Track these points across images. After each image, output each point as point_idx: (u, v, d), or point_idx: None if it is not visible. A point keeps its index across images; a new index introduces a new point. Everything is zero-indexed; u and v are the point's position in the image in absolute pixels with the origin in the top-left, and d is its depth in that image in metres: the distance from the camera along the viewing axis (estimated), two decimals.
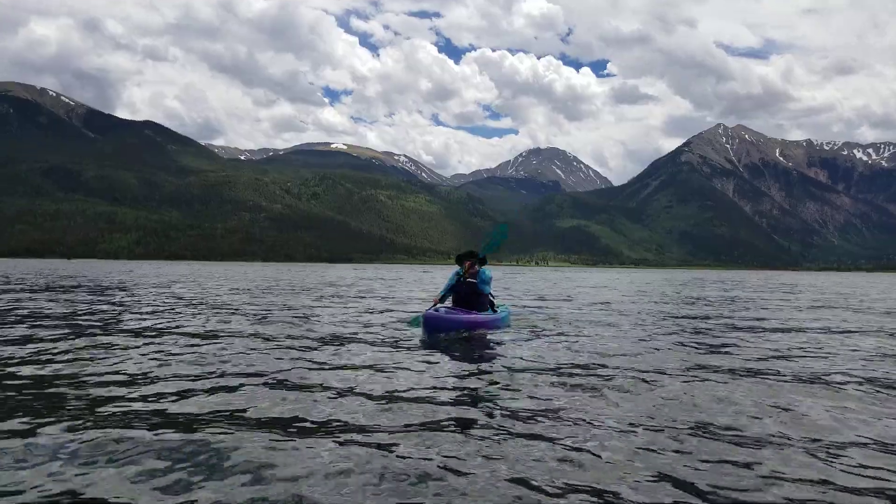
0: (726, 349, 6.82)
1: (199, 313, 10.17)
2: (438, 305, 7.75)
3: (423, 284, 25.91)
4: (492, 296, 8.15)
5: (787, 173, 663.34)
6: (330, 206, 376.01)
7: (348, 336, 7.36)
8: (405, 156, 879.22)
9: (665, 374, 5.07)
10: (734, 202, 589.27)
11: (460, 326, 7.19)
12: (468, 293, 7.94)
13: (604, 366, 5.33)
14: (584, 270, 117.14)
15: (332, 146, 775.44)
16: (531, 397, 4.04)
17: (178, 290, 17.10)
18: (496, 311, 8.15)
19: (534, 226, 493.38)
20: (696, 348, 6.88)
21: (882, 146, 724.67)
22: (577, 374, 4.92)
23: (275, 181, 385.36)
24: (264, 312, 10.51)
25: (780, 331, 9.10)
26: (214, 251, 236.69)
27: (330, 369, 5.06)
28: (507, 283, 30.45)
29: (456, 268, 8.32)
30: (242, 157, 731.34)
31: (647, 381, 4.68)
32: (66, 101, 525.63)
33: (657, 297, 18.61)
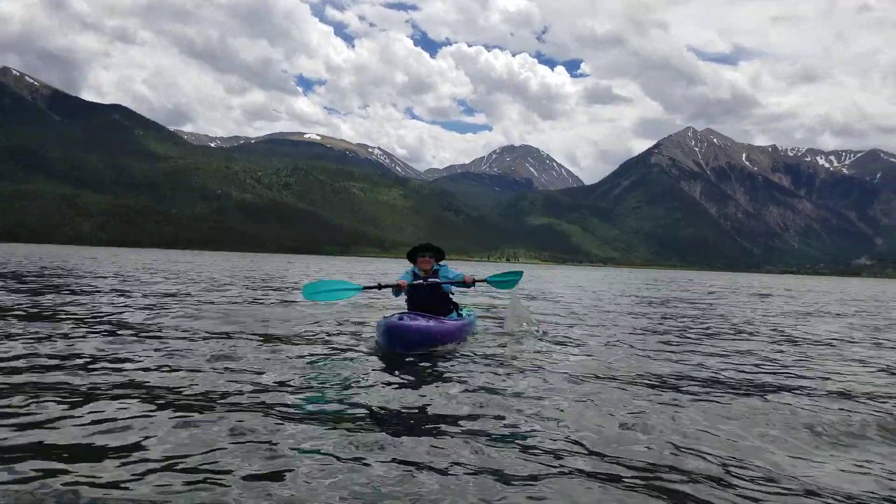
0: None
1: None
2: (396, 314, 6.06)
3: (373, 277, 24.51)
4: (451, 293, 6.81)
5: (753, 178, 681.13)
6: (302, 197, 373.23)
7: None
8: (379, 148, 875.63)
9: (665, 382, 4.76)
10: (701, 204, 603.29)
11: (435, 339, 5.69)
12: (430, 296, 6.45)
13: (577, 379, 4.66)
14: (554, 268, 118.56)
15: (305, 136, 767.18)
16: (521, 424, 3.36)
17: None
18: (462, 316, 6.79)
19: (505, 222, 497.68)
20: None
21: (843, 154, 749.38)
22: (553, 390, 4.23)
23: (245, 170, 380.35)
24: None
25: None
26: (181, 239, 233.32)
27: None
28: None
29: (409, 265, 6.88)
30: (212, 144, 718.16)
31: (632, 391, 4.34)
32: (31, 81, 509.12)
33: (629, 298, 17.90)
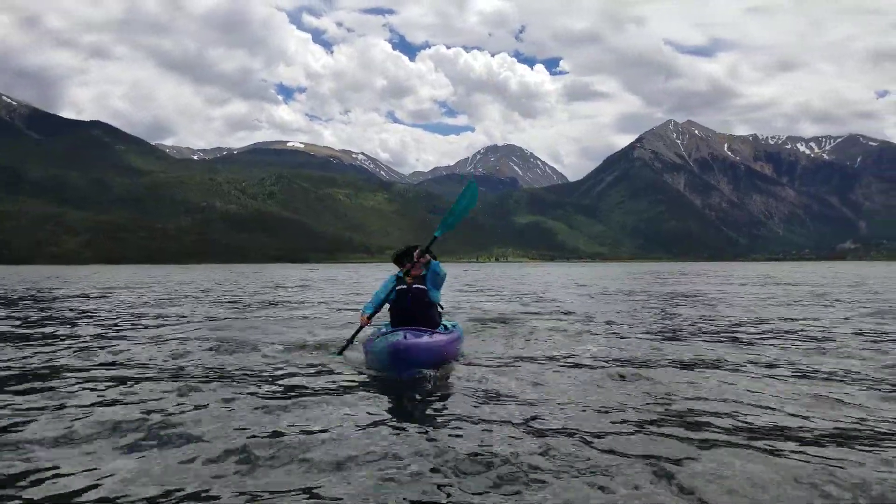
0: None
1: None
2: (383, 328, 5.63)
3: (357, 287, 22.78)
4: (440, 306, 5.87)
5: (735, 167, 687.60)
6: (286, 206, 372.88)
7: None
8: (363, 154, 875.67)
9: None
10: (685, 196, 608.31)
11: (443, 359, 5.12)
12: (415, 303, 5.59)
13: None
14: (543, 265, 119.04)
15: (288, 145, 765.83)
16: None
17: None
18: (448, 328, 5.88)
19: (493, 222, 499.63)
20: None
21: (823, 140, 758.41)
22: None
23: (229, 181, 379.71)
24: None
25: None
26: (166, 253, 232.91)
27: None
28: (466, 280, 29.53)
29: (394, 269, 5.99)
30: (195, 157, 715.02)
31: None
32: (8, 100, 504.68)
33: (625, 294, 17.53)
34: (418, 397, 4.13)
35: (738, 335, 7.62)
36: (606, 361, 5.57)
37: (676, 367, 5.20)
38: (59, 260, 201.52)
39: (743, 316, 10.31)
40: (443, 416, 3.59)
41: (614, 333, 7.84)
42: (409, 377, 4.55)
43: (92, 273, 49.12)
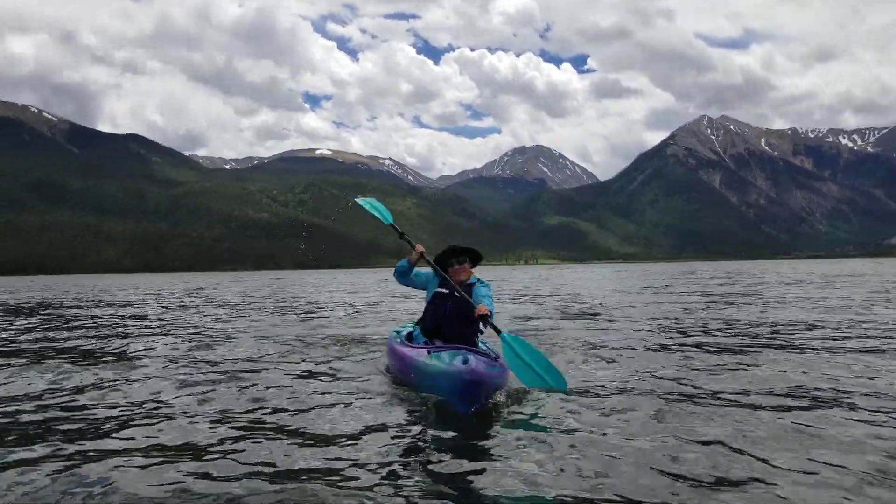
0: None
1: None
2: (403, 327, 5.16)
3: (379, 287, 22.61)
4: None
5: (773, 162, 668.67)
6: (317, 213, 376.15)
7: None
8: (391, 159, 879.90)
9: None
10: (721, 193, 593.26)
11: (503, 383, 4.17)
12: (455, 313, 4.73)
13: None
14: (587, 268, 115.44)
15: (316, 152, 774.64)
16: None
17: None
18: (486, 349, 4.84)
19: (521, 224, 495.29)
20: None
21: (867, 132, 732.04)
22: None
23: (261, 190, 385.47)
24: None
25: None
26: (202, 261, 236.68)
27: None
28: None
29: (426, 269, 5.16)
30: (227, 167, 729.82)
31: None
32: (49, 117, 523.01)
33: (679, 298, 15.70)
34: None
35: None
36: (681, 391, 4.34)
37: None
38: (100, 268, 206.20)
39: None
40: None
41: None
42: (474, 411, 3.71)
43: (171, 282, 47.89)
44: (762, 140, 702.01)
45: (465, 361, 3.78)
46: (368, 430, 3.36)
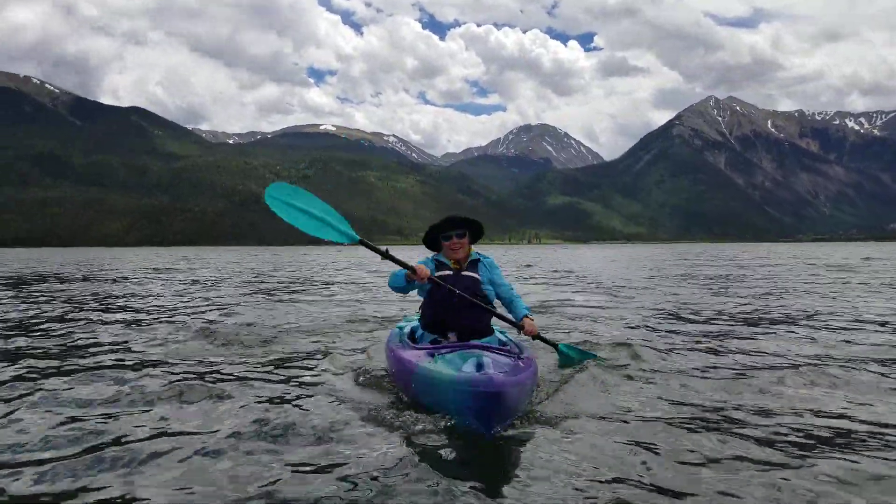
0: None
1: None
2: (399, 325, 4.44)
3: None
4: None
5: (779, 144, 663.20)
6: (320, 189, 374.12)
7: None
8: (395, 136, 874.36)
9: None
10: (727, 175, 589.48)
11: (531, 388, 3.33)
12: (467, 302, 3.73)
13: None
14: (581, 247, 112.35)
15: (320, 128, 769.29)
16: None
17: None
18: (506, 340, 4.07)
19: (526, 204, 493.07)
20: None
21: (874, 115, 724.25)
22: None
23: (264, 165, 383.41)
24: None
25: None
26: (205, 235, 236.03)
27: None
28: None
29: (427, 253, 4.17)
30: (230, 141, 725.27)
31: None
32: (51, 88, 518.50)
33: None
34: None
35: None
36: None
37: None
38: (103, 242, 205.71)
39: None
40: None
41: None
42: (497, 433, 2.78)
43: (181, 257, 47.21)
44: (769, 122, 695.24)
45: (480, 366, 2.85)
46: (368, 430, 2.88)
